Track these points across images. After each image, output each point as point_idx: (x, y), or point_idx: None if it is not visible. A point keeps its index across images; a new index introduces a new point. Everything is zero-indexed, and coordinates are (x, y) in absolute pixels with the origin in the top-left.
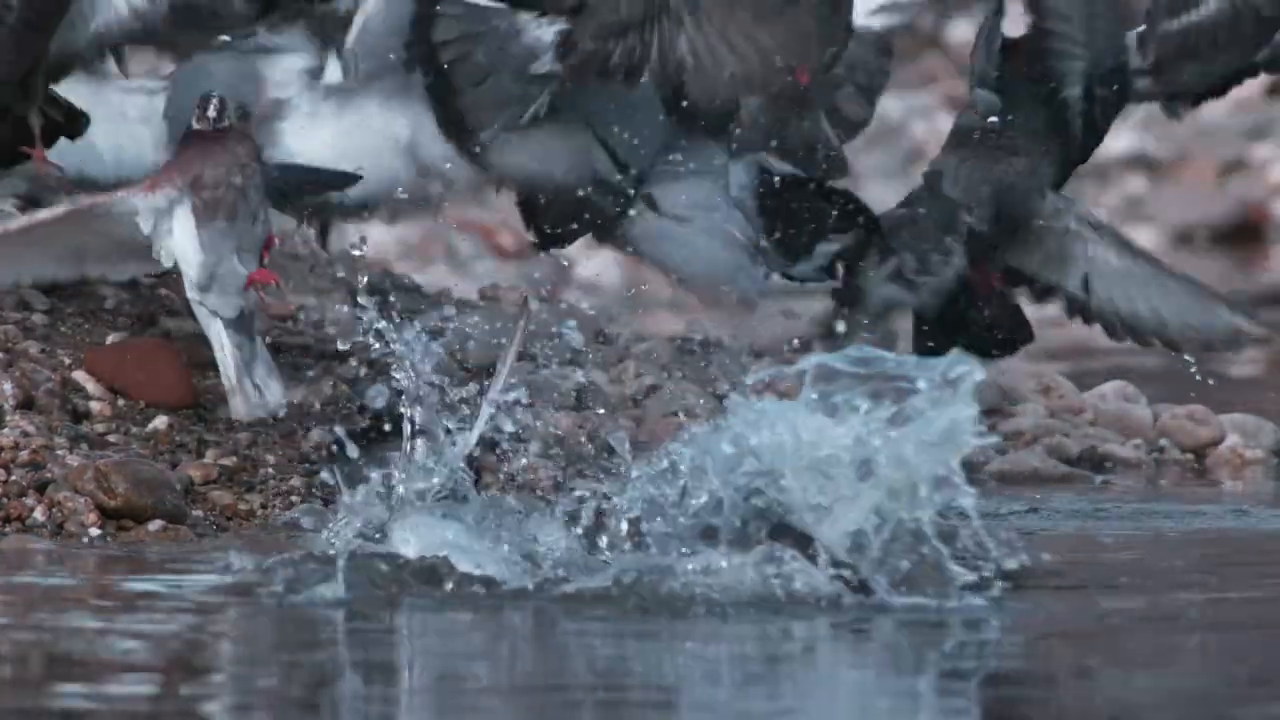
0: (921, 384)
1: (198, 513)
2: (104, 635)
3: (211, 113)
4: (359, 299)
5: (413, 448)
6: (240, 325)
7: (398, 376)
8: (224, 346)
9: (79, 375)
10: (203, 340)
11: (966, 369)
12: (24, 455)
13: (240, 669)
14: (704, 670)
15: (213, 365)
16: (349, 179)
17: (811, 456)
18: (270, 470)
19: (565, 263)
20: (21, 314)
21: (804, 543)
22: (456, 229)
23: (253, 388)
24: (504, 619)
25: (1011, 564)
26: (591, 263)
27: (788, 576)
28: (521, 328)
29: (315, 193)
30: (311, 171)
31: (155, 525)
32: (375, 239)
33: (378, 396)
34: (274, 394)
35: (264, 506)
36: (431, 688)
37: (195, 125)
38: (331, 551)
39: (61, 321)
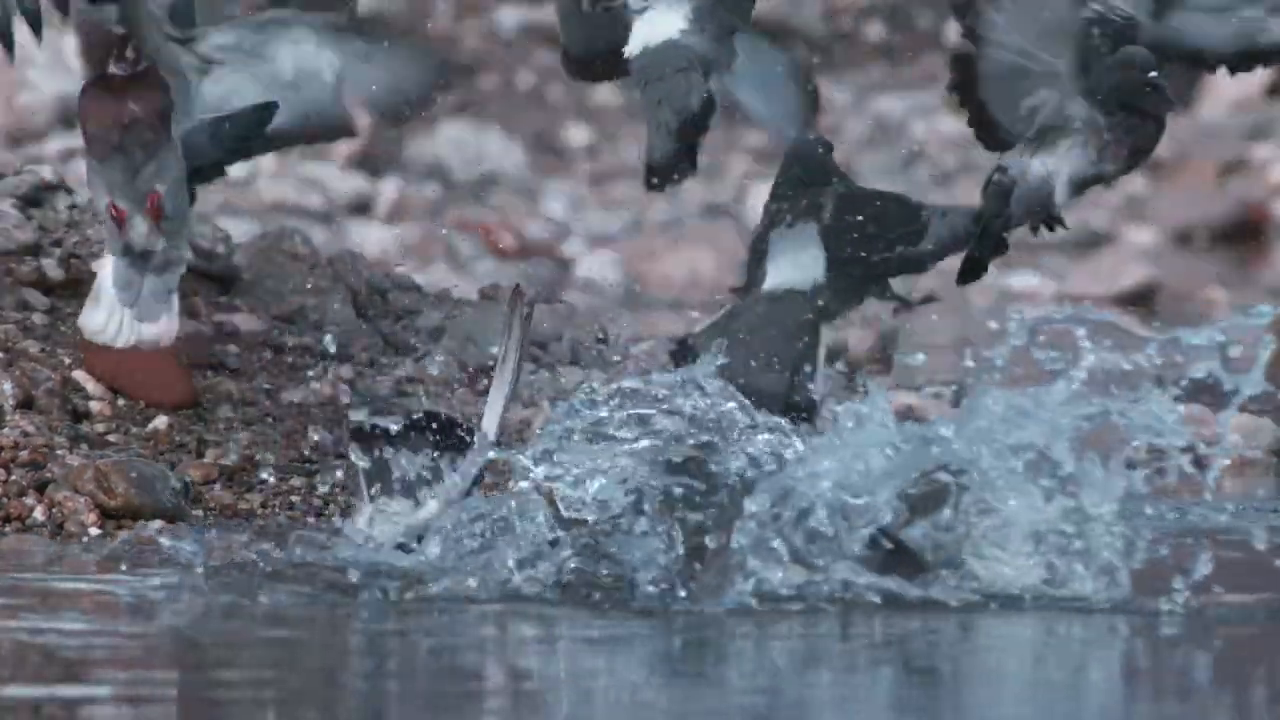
0: (1197, 340)
1: (198, 513)
2: (95, 635)
3: (130, 53)
4: (352, 455)
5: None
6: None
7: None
8: (104, 266)
9: (79, 375)
10: (203, 341)
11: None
12: (24, 455)
13: (223, 669)
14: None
15: (213, 365)
16: (266, 112)
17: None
18: (270, 470)
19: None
20: (21, 314)
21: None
22: (456, 229)
23: (119, 314)
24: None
25: None
26: (592, 263)
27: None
28: (519, 322)
29: (241, 142)
30: (222, 121)
31: (155, 525)
32: (375, 239)
33: (410, 468)
34: (149, 328)
35: (264, 506)
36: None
37: (112, 67)
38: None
39: (61, 321)
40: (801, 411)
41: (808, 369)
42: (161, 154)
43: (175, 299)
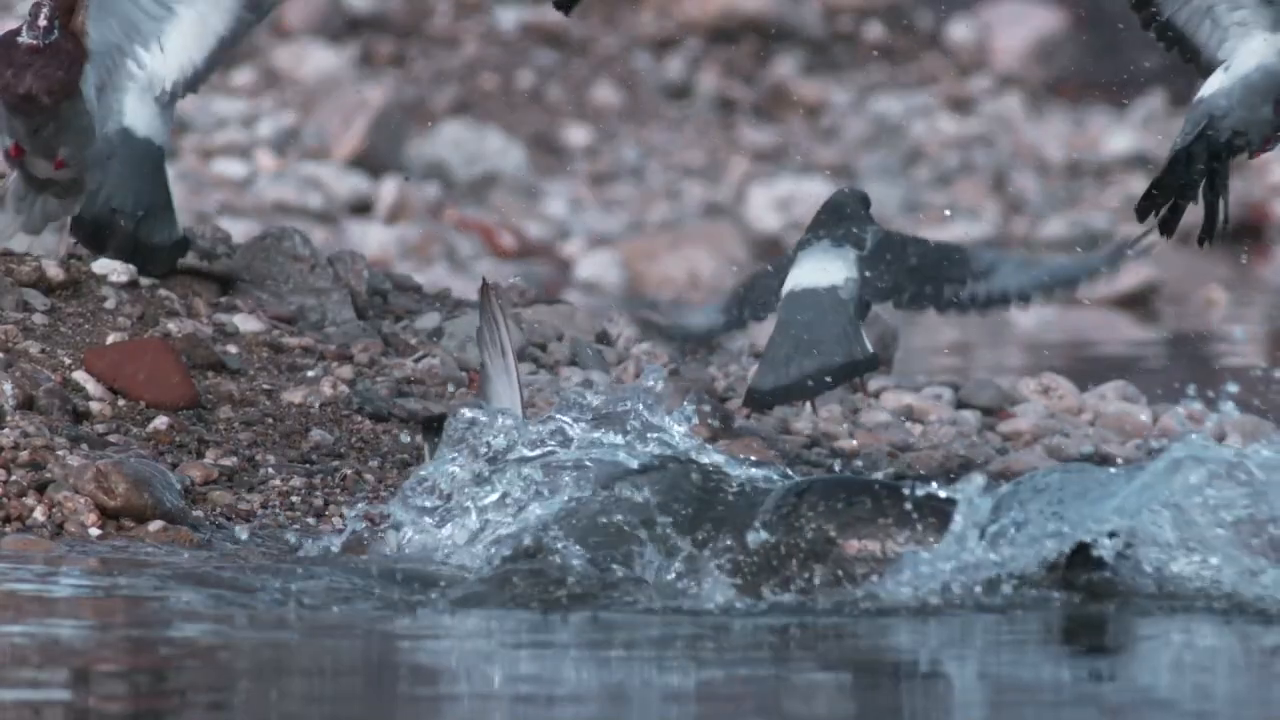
0: None
1: (198, 513)
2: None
3: (42, 22)
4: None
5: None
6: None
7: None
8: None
9: (79, 375)
10: (203, 341)
11: None
12: (24, 455)
13: (217, 671)
14: None
15: (213, 365)
16: None
17: None
18: (270, 470)
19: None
20: (21, 314)
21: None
22: (456, 229)
23: (10, 220)
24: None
25: None
26: (592, 263)
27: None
28: (496, 315)
29: None
30: None
31: (155, 525)
32: (375, 239)
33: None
34: (34, 240)
35: (264, 506)
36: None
37: (24, 35)
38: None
39: (61, 321)
40: (867, 368)
41: (856, 332)
42: (61, 118)
43: (67, 223)
